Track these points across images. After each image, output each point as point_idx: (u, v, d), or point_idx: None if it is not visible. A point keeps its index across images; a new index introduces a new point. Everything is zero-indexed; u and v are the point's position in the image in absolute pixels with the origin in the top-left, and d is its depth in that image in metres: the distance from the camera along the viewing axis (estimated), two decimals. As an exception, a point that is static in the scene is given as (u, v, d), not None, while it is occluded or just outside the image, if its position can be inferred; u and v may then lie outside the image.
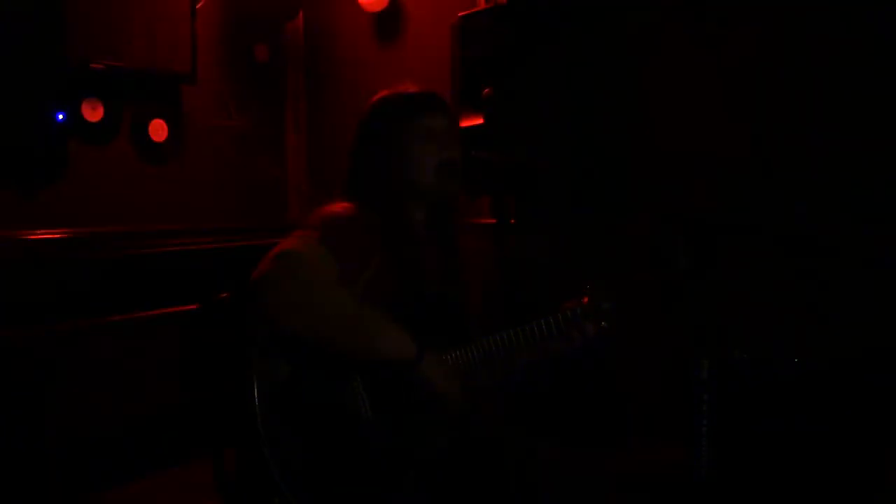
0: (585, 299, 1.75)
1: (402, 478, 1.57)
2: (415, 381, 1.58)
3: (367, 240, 1.66)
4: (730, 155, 2.92)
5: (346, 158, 1.84)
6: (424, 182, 1.76)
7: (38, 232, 2.95)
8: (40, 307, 2.67)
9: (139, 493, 2.88)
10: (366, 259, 1.65)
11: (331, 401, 1.57)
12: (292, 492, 1.49)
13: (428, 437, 1.63)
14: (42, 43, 2.16)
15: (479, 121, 2.89)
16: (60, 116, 2.19)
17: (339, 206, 1.71)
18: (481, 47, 2.88)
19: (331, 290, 1.52)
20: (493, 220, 3.07)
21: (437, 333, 1.69)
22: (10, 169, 2.15)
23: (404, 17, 3.67)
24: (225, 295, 1.75)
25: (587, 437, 3.21)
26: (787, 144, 2.87)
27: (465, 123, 2.93)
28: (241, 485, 1.60)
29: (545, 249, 3.27)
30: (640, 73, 3.21)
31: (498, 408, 2.40)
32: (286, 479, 1.49)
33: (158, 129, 3.42)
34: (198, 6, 3.43)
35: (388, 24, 3.73)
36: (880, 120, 2.75)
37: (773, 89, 2.84)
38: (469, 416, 1.76)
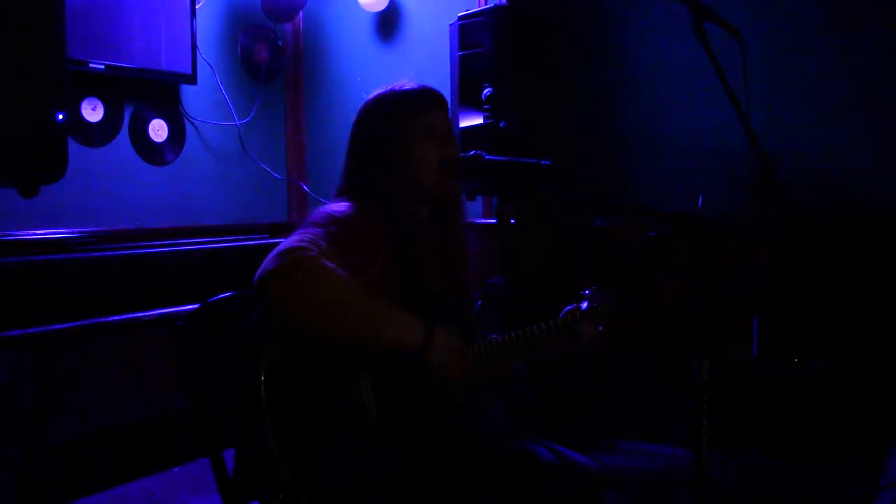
0: (585, 303, 1.75)
1: (405, 479, 1.57)
2: (422, 366, 1.58)
3: (369, 238, 1.66)
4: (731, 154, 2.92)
5: (345, 158, 1.83)
6: (427, 180, 1.75)
7: (38, 232, 2.95)
8: (40, 307, 2.67)
9: (139, 493, 2.88)
10: (369, 257, 1.65)
11: (338, 400, 1.57)
12: (300, 489, 1.48)
13: (432, 439, 1.63)
14: (42, 43, 2.15)
15: (479, 121, 2.89)
16: (60, 116, 2.19)
17: (342, 205, 1.70)
18: (481, 47, 2.88)
19: (334, 280, 1.52)
20: (493, 220, 3.07)
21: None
22: (10, 169, 2.15)
23: (404, 16, 3.68)
24: (225, 295, 1.75)
25: (586, 438, 3.21)
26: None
27: (465, 123, 2.93)
28: (245, 483, 1.59)
29: (545, 250, 3.26)
30: (640, 71, 3.21)
31: (497, 410, 2.40)
32: (294, 476, 1.49)
33: (158, 129, 3.42)
34: (198, 6, 3.43)
35: (388, 23, 3.73)
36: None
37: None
38: (470, 417, 1.76)
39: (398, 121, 1.76)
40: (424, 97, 1.79)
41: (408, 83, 1.81)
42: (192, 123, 3.57)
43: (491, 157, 1.85)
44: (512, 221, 2.92)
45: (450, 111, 1.87)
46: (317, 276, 1.50)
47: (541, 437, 1.82)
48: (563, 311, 1.77)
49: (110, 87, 3.23)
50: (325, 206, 1.70)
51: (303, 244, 1.52)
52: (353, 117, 1.85)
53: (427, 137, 1.75)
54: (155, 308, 2.95)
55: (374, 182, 1.74)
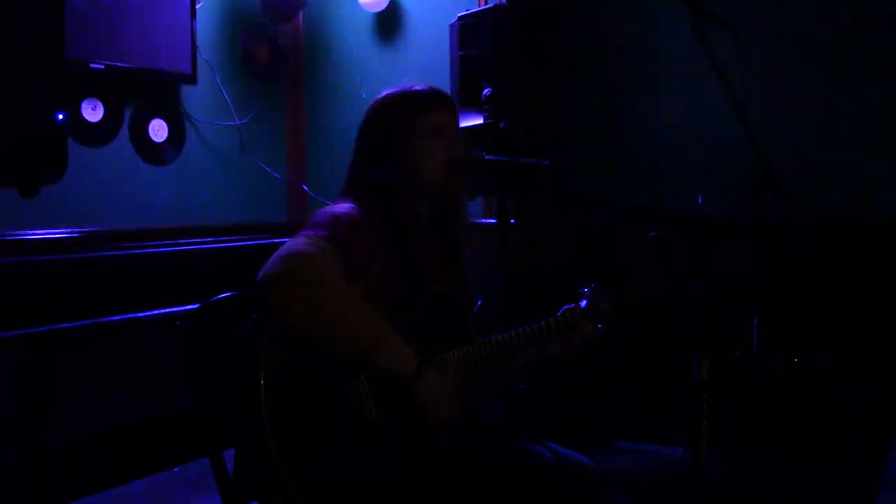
0: (584, 300, 1.75)
1: (404, 479, 1.57)
2: (412, 394, 1.59)
3: (371, 239, 1.66)
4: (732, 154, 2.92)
5: (351, 157, 1.83)
6: (433, 180, 1.76)
7: (38, 232, 2.95)
8: (40, 307, 2.67)
9: (139, 493, 2.88)
10: (370, 258, 1.65)
11: (337, 400, 1.57)
12: (300, 489, 1.49)
13: (430, 440, 1.63)
14: (42, 43, 2.15)
15: (479, 121, 2.89)
16: (60, 116, 2.19)
17: (344, 206, 1.71)
18: (481, 47, 2.88)
19: (336, 292, 1.53)
20: (493, 220, 3.07)
21: (439, 332, 1.70)
22: (10, 169, 2.15)
23: (404, 16, 3.67)
24: (225, 295, 1.75)
25: (586, 438, 3.21)
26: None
27: (465, 123, 2.93)
28: (244, 484, 1.59)
29: (545, 250, 3.27)
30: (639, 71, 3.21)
31: (497, 410, 2.40)
32: (294, 476, 1.49)
33: (158, 129, 3.42)
34: (198, 6, 3.43)
35: (388, 23, 3.73)
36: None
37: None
38: (470, 416, 1.76)
39: (407, 118, 1.77)
40: (434, 97, 1.81)
41: (417, 84, 1.82)
42: (193, 123, 3.57)
43: (491, 157, 1.85)
44: (512, 221, 2.92)
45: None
46: (319, 285, 1.51)
47: (541, 437, 1.82)
48: (562, 310, 1.77)
49: (110, 87, 3.22)
50: (329, 207, 1.70)
51: (308, 248, 1.53)
52: (353, 117, 1.85)
53: (435, 136, 1.76)
54: (155, 308, 2.95)
55: (379, 179, 1.75)
